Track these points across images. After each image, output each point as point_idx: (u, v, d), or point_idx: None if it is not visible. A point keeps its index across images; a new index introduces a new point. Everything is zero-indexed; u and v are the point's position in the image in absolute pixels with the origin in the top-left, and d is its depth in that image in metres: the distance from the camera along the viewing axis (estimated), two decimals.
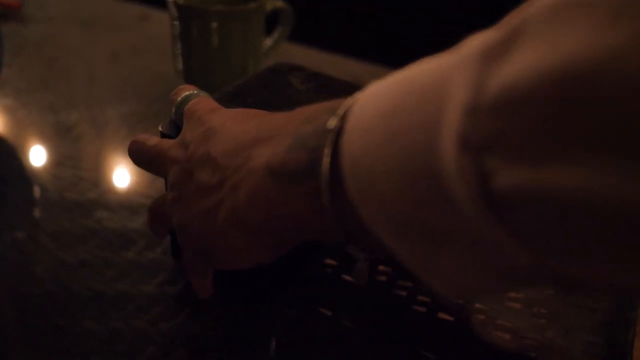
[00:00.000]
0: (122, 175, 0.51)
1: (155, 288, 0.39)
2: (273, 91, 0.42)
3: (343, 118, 0.24)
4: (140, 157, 0.35)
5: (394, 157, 0.20)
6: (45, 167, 0.51)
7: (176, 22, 0.58)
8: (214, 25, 0.55)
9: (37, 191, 0.49)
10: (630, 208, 0.15)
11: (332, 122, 0.24)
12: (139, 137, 0.36)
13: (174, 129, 0.36)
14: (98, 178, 0.50)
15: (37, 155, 0.53)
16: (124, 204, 0.47)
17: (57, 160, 0.52)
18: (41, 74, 0.67)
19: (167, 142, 0.34)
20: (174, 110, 0.36)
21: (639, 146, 0.15)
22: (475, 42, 0.19)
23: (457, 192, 0.18)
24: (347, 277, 0.40)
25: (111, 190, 0.48)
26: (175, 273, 0.40)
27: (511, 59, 0.17)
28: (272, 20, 0.65)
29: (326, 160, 0.23)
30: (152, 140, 0.35)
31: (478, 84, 0.18)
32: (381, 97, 0.22)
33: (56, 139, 0.55)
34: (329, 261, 0.41)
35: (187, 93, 0.36)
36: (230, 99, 0.40)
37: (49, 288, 0.39)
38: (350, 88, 0.28)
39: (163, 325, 0.37)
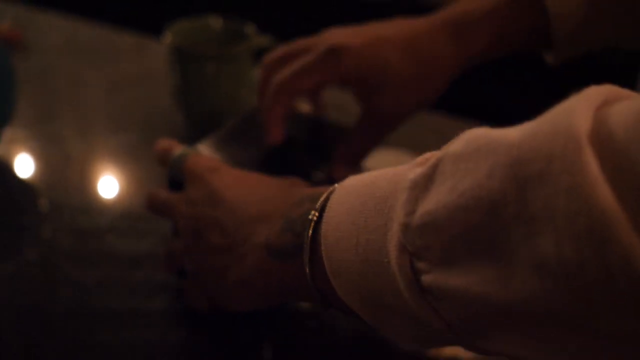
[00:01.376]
0: (129, 202, 0.56)
1: (163, 304, 0.45)
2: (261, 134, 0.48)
3: (322, 210, 0.31)
4: (154, 208, 0.43)
5: (357, 248, 0.27)
6: (57, 195, 0.56)
7: (174, 63, 0.64)
8: (209, 66, 0.61)
9: (51, 218, 0.54)
10: (501, 303, 0.22)
11: (312, 215, 0.31)
12: (152, 191, 0.43)
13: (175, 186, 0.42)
14: (106, 205, 0.55)
15: (49, 184, 0.58)
16: (131, 229, 0.52)
17: (66, 189, 0.57)
18: (49, 105, 0.72)
19: (175, 197, 0.40)
20: (170, 166, 0.41)
21: (497, 255, 0.22)
22: (411, 175, 0.26)
23: (399, 281, 0.25)
24: None
25: (119, 216, 0.54)
26: (181, 291, 0.46)
27: (429, 194, 0.24)
28: (260, 52, 0.71)
29: (306, 246, 0.31)
30: (163, 193, 0.42)
31: (408, 210, 0.25)
32: (351, 196, 0.29)
33: (65, 168, 0.61)
34: None
35: (181, 151, 0.42)
36: (228, 142, 0.47)
37: (68, 305, 0.44)
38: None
39: (171, 338, 0.42)
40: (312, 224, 0.31)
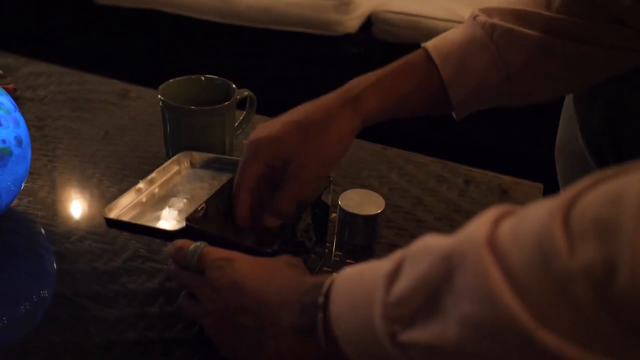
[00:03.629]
0: (136, 245, 0.64)
1: (176, 334, 0.53)
2: None
3: (326, 295, 0.41)
4: (177, 283, 0.52)
5: (356, 322, 0.39)
6: (73, 242, 0.64)
7: (168, 117, 0.72)
8: (199, 120, 0.70)
9: (70, 263, 0.61)
10: (443, 346, 0.32)
11: (320, 300, 0.41)
12: (174, 270, 0.51)
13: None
14: (118, 249, 0.63)
15: (65, 232, 0.66)
16: (141, 269, 0.60)
17: (82, 237, 0.65)
18: (48, 156, 0.79)
19: (199, 281, 0.49)
20: (187, 258, 0.49)
21: (439, 316, 0.32)
22: (385, 269, 0.37)
23: (383, 340, 0.36)
24: None
25: (129, 258, 0.62)
26: (190, 322, 0.54)
27: (398, 281, 0.36)
28: (240, 103, 0.80)
29: (320, 324, 0.41)
30: (184, 274, 0.50)
31: (386, 291, 0.36)
32: (349, 281, 0.40)
33: (77, 216, 0.68)
34: None
35: (195, 245, 0.50)
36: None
37: (95, 340, 0.52)
38: None
39: None
40: (321, 309, 0.41)
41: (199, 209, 0.55)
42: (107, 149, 0.82)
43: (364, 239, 0.64)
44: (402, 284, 0.35)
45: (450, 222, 0.71)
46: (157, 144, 0.83)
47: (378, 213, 0.63)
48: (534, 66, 0.54)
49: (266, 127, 0.57)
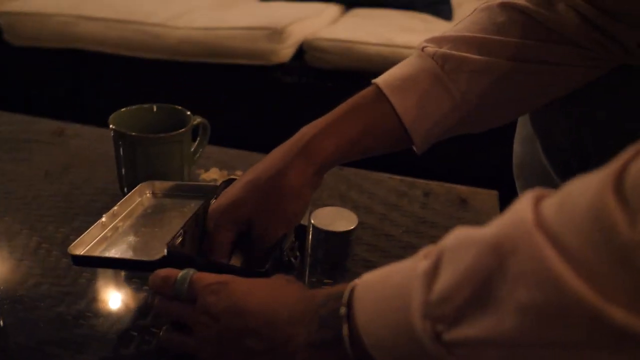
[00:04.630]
0: (99, 285, 0.60)
1: None
2: None
3: (349, 305, 0.39)
4: (166, 316, 0.48)
5: (389, 327, 0.37)
6: (28, 289, 0.59)
7: (120, 147, 0.68)
8: (156, 149, 0.67)
9: (28, 310, 0.56)
10: (499, 340, 0.31)
11: (343, 310, 0.39)
12: (160, 302, 0.48)
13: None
14: (80, 290, 0.58)
15: (19, 278, 0.60)
16: (108, 310, 0.56)
17: (37, 282, 0.60)
18: None
19: (190, 310, 0.46)
20: (177, 287, 0.46)
21: (490, 309, 0.31)
22: (421, 267, 0.36)
23: (424, 342, 0.34)
24: None
25: (94, 299, 0.57)
26: (177, 356, 0.50)
27: (439, 277, 0.34)
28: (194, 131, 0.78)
29: (346, 336, 0.39)
30: (173, 304, 0.47)
31: (426, 291, 0.35)
32: (373, 287, 0.39)
33: (30, 260, 0.63)
34: None
35: (184, 272, 0.47)
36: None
37: None
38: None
39: None
40: (345, 319, 0.39)
41: (177, 235, 0.52)
42: (50, 188, 0.77)
43: (339, 257, 0.63)
44: (445, 279, 0.34)
45: (417, 234, 0.71)
46: (104, 179, 0.79)
47: (352, 229, 0.62)
48: (489, 91, 0.54)
49: (225, 193, 0.56)
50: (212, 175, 0.81)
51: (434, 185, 0.84)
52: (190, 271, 0.47)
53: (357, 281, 0.41)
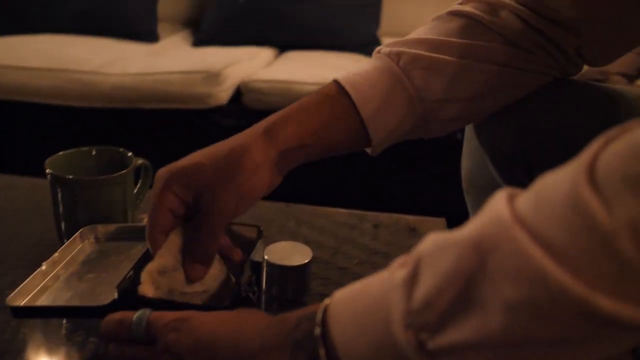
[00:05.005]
0: (40, 338, 0.55)
1: None
2: None
3: (323, 325, 0.38)
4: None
5: (369, 343, 0.36)
6: None
7: (58, 193, 0.65)
8: (97, 192, 0.64)
9: None
10: (486, 340, 0.31)
11: (318, 330, 0.38)
12: (115, 348, 0.45)
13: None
14: (19, 346, 0.54)
15: None
16: None
17: None
18: None
19: (148, 351, 0.43)
20: (133, 329, 0.43)
21: (475, 309, 0.31)
22: (399, 276, 0.35)
23: (407, 352, 0.33)
24: None
25: (36, 354, 0.53)
26: None
27: (418, 284, 0.34)
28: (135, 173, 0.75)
29: (323, 356, 0.37)
30: (130, 348, 0.44)
31: (406, 300, 0.34)
32: (348, 304, 0.37)
33: None
34: None
35: (139, 312, 0.44)
36: None
37: None
38: None
39: None
40: (321, 339, 0.38)
41: (127, 277, 0.49)
42: None
43: (296, 292, 0.61)
44: (426, 285, 0.33)
45: (371, 265, 0.71)
46: (40, 229, 0.75)
47: (308, 262, 0.60)
48: (443, 90, 0.56)
49: (182, 159, 0.54)
50: None
51: (383, 216, 0.84)
52: (147, 311, 0.44)
53: (329, 300, 0.39)
